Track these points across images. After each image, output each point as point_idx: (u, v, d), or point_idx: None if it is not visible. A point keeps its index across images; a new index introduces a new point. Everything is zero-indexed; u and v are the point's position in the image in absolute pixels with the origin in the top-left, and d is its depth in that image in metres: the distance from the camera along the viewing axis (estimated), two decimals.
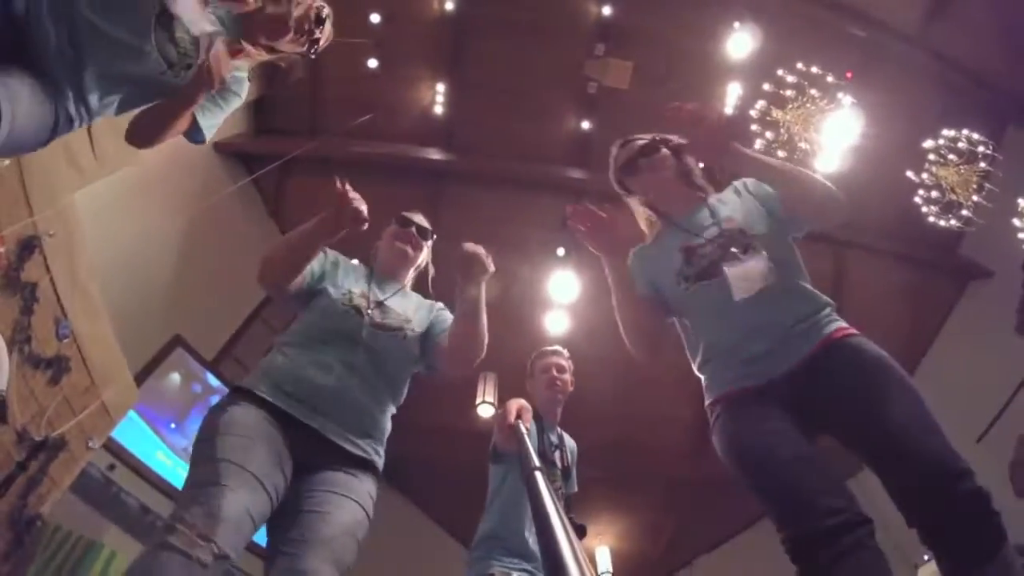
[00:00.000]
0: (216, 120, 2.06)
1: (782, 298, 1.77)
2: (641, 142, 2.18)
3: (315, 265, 2.07)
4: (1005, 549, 1.44)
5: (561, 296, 7.86)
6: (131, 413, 5.83)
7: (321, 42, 2.07)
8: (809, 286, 1.87)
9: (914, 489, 1.50)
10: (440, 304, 2.23)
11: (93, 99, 1.75)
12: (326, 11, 2.06)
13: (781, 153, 6.43)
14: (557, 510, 0.93)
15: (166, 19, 1.69)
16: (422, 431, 8.64)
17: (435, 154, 7.96)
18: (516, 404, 2.27)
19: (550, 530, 0.84)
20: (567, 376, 2.90)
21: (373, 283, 2.11)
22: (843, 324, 1.79)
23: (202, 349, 6.72)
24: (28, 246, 3.57)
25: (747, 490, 1.67)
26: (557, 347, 3.16)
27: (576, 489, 2.89)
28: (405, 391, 2.05)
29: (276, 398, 1.73)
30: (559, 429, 2.83)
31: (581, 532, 2.22)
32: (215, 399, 6.61)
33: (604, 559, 8.62)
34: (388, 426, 1.95)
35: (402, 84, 7.74)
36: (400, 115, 7.88)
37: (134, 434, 5.69)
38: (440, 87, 7.74)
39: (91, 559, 4.09)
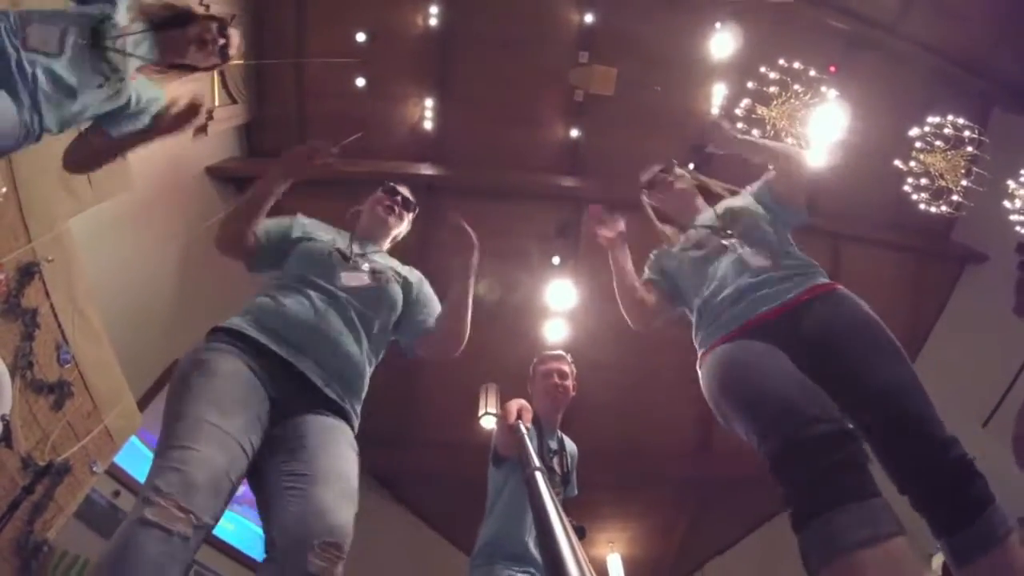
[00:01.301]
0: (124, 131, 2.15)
1: (775, 257, 1.90)
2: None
3: (284, 223, 2.11)
4: (990, 510, 1.46)
5: (559, 304, 7.89)
6: (134, 439, 5.83)
7: (231, 48, 2.19)
8: (799, 251, 1.99)
9: (907, 456, 1.51)
10: (421, 275, 2.23)
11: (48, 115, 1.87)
12: (227, 18, 2.22)
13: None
14: (557, 510, 0.94)
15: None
16: (425, 443, 8.66)
17: (426, 169, 8.01)
18: (516, 404, 2.28)
19: (550, 530, 0.84)
20: (569, 382, 2.86)
21: (354, 241, 2.13)
22: (831, 281, 1.86)
23: None
24: (27, 272, 3.60)
25: (732, 412, 1.65)
26: (559, 352, 3.14)
27: (576, 493, 2.86)
28: (385, 346, 2.01)
29: (261, 334, 1.69)
30: (559, 433, 2.81)
31: (580, 533, 2.20)
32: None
33: (616, 567, 8.55)
34: (366, 384, 1.89)
35: (390, 101, 7.81)
36: (390, 132, 7.94)
37: (138, 460, 5.66)
38: (428, 102, 7.80)
39: None
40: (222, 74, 6.91)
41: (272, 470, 1.54)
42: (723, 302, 1.86)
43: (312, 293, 1.83)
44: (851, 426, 1.47)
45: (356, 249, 2.06)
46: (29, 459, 3.59)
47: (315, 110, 7.65)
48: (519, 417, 2.20)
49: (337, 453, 1.60)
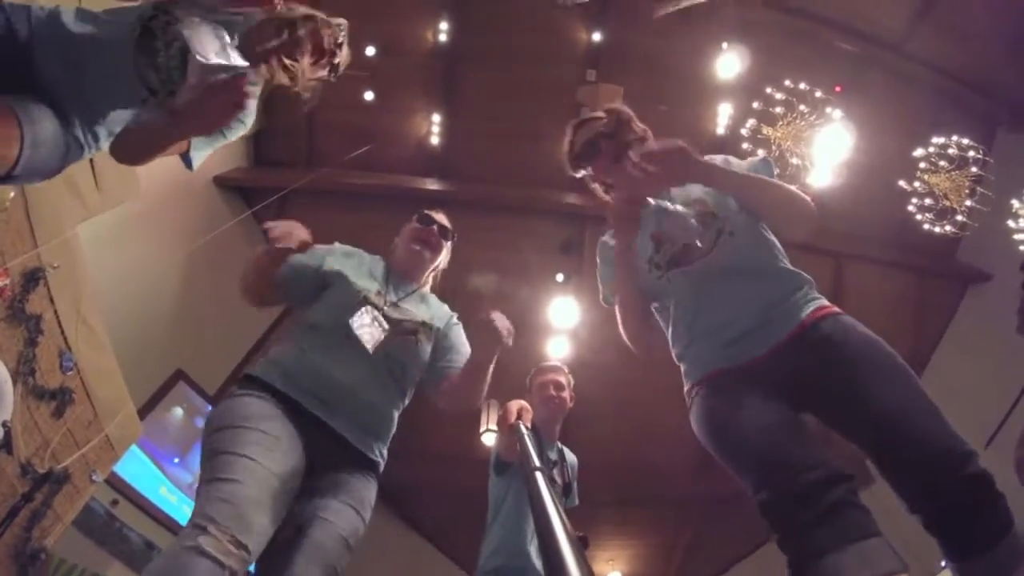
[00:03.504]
0: (209, 151, 2.00)
1: (760, 278, 1.74)
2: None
3: (316, 256, 2.03)
4: (1012, 533, 1.37)
5: (562, 321, 7.88)
6: (134, 448, 5.80)
7: (341, 66, 2.02)
8: (787, 265, 1.82)
9: (917, 475, 1.43)
10: (455, 317, 2.19)
11: (99, 126, 1.74)
12: (343, 34, 1.97)
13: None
14: (558, 510, 0.92)
15: (146, 43, 1.60)
16: (426, 459, 8.60)
17: (432, 184, 8.04)
18: (516, 404, 2.24)
19: (551, 530, 0.83)
20: (565, 393, 2.85)
21: (390, 283, 2.07)
22: (825, 303, 1.73)
23: (204, 383, 6.70)
24: (33, 278, 3.59)
25: (723, 464, 1.61)
26: (556, 363, 3.13)
27: (577, 503, 2.84)
28: (413, 391, 2.03)
29: (293, 392, 1.70)
30: (559, 444, 2.79)
31: (582, 543, 2.17)
32: None
33: None
34: (395, 426, 1.93)
35: (398, 115, 7.86)
36: (397, 145, 7.99)
37: (137, 469, 5.64)
38: (436, 117, 7.85)
39: None
40: None
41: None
42: (712, 335, 1.76)
43: (344, 348, 1.81)
44: (837, 467, 1.40)
45: (391, 295, 2.01)
46: (28, 466, 3.56)
47: (322, 121, 7.70)
48: (519, 417, 2.17)
49: (334, 528, 1.61)
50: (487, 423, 7.34)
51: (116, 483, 5.37)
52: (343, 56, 1.99)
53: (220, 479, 1.39)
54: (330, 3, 7.14)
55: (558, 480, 2.60)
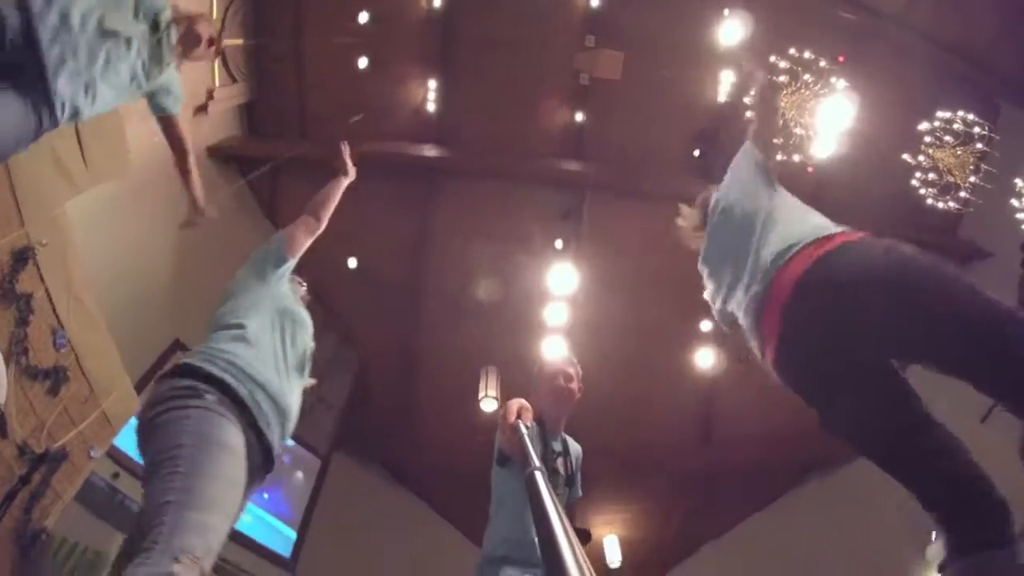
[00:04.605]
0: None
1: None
2: None
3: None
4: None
5: (560, 288, 7.86)
6: (133, 420, 5.85)
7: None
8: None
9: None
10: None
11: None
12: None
13: (776, 140, 6.44)
14: (557, 510, 0.92)
15: None
16: (428, 428, 8.69)
17: (429, 151, 7.94)
18: (516, 404, 2.22)
19: (550, 530, 0.83)
20: (575, 384, 2.78)
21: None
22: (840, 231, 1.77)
23: None
24: (21, 257, 3.55)
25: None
26: (564, 354, 3.09)
27: (581, 495, 2.81)
28: None
29: (253, 406, 1.71)
30: (563, 435, 2.76)
31: (585, 538, 2.16)
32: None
33: (613, 548, 8.62)
34: None
35: (393, 83, 7.72)
36: (393, 114, 7.86)
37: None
38: (431, 84, 7.71)
39: (100, 570, 4.08)
40: (222, 54, 6.83)
41: None
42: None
43: (285, 341, 1.92)
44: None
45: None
46: (25, 447, 3.58)
47: (316, 90, 7.56)
48: (519, 417, 2.15)
49: None
50: (485, 389, 7.39)
51: (117, 456, 5.39)
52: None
53: (196, 507, 1.39)
54: None
55: (561, 471, 2.57)
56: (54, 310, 3.83)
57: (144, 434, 1.60)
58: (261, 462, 1.77)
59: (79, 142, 3.96)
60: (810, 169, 6.47)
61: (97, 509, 5.08)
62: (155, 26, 2.27)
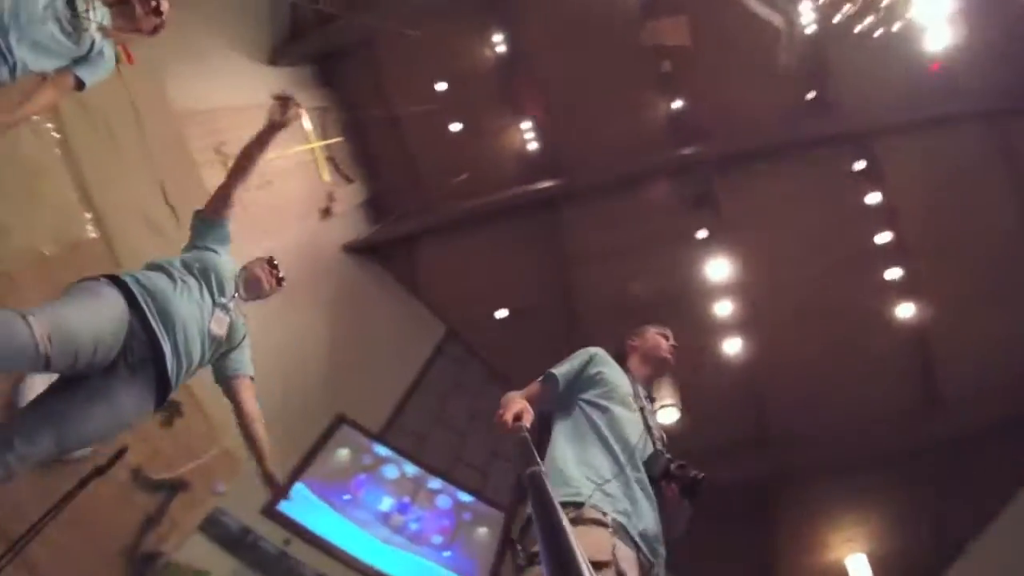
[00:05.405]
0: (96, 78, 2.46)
1: None
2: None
3: None
4: None
5: (718, 277, 7.12)
6: (304, 489, 6.06)
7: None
8: None
9: None
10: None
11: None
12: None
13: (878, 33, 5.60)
14: (558, 510, 0.90)
15: None
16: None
17: (544, 184, 7.91)
18: (517, 405, 1.87)
19: (552, 529, 0.83)
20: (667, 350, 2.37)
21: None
22: None
23: (368, 423, 6.91)
24: None
25: None
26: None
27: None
28: None
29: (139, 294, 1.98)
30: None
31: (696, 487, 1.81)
32: (386, 468, 6.77)
33: (861, 568, 6.80)
34: None
35: (489, 135, 7.97)
36: (499, 162, 8.07)
37: (308, 509, 5.84)
38: (525, 124, 7.84)
39: None
40: (332, 160, 7.63)
41: None
42: None
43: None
44: None
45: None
46: (140, 473, 3.80)
47: (424, 165, 8.03)
48: (519, 418, 1.81)
49: None
50: (662, 400, 6.66)
51: (287, 523, 5.57)
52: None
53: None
54: (388, 49, 7.59)
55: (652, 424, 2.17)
56: None
57: None
58: (147, 354, 1.93)
59: (167, 202, 4.52)
60: None
61: (268, 572, 5.19)
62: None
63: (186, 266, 2.16)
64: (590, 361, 2.14)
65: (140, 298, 1.94)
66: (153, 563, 3.71)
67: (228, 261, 2.32)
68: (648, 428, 1.97)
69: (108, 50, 2.48)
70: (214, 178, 6.20)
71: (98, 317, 1.83)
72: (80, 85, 2.40)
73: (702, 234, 7.33)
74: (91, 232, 3.86)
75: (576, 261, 7.92)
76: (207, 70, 5.99)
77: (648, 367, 2.28)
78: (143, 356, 1.94)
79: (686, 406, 6.50)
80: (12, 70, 2.18)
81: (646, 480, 1.85)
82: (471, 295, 8.13)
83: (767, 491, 6.87)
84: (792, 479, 6.71)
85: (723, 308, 6.95)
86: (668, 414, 6.53)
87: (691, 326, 7.16)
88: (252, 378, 2.36)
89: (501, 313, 8.07)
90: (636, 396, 2.09)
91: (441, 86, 7.58)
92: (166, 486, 3.95)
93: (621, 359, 2.29)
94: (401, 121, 7.76)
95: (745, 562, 6.65)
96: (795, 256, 6.63)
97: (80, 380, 1.88)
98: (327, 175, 7.34)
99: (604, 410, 1.99)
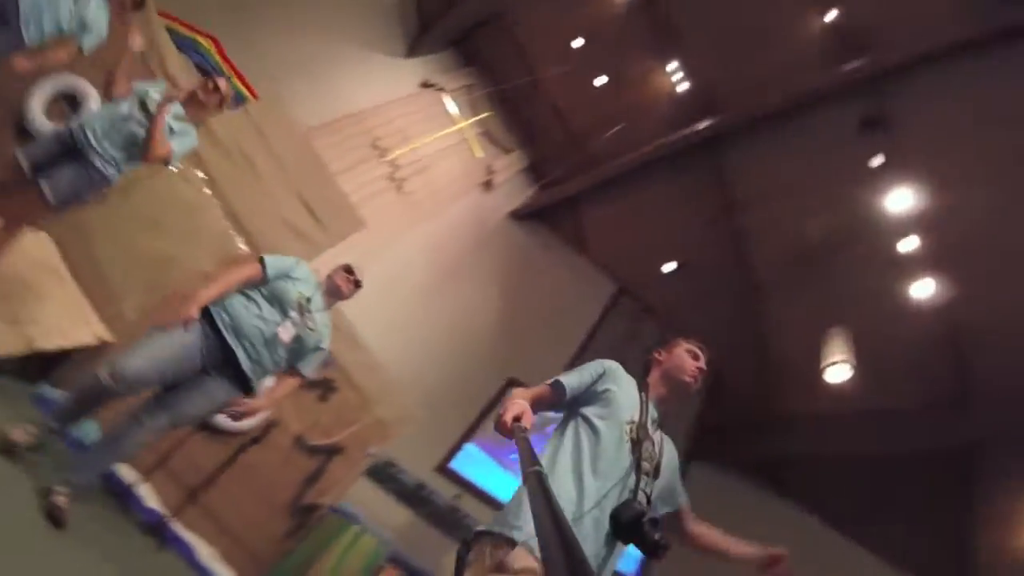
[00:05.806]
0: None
1: None
2: None
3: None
4: None
5: (900, 208, 6.18)
6: (474, 449, 6.57)
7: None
8: None
9: None
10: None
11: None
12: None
13: None
14: (560, 510, 0.92)
15: None
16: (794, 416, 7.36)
17: (702, 124, 7.43)
18: (518, 406, 1.88)
19: (552, 529, 0.83)
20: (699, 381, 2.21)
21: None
22: None
23: (537, 385, 7.22)
24: None
25: None
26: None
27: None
28: None
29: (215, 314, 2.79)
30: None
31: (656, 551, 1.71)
32: (551, 429, 7.02)
33: None
34: None
35: (636, 81, 7.66)
36: (652, 110, 7.73)
37: (478, 466, 6.34)
38: (671, 66, 7.41)
39: (341, 534, 4.54)
40: (487, 134, 7.93)
41: None
42: None
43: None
44: None
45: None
46: (301, 438, 4.48)
47: (576, 123, 7.99)
48: (518, 420, 1.84)
49: None
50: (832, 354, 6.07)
51: (457, 479, 6.13)
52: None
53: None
54: (519, 15, 7.58)
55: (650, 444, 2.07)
56: None
57: None
58: (224, 358, 2.71)
59: (307, 207, 5.12)
60: None
61: (440, 525, 5.78)
62: None
63: (260, 293, 2.81)
64: (602, 376, 2.03)
65: (218, 319, 2.71)
66: (312, 513, 4.39)
67: (294, 286, 2.86)
68: (638, 464, 1.84)
69: (188, 128, 3.10)
70: (374, 170, 6.88)
71: (161, 352, 2.59)
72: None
73: (877, 161, 6.40)
74: (244, 248, 4.53)
75: (743, 205, 7.39)
76: (350, 75, 6.58)
77: (665, 388, 2.11)
78: (222, 359, 2.72)
79: (870, 361, 5.84)
80: (118, 169, 2.94)
81: (606, 521, 1.74)
82: (638, 250, 8.01)
83: (967, 460, 5.93)
84: (997, 447, 5.70)
85: (909, 244, 6.03)
86: (837, 372, 5.91)
87: (875, 268, 6.38)
88: (305, 377, 2.97)
89: (669, 266, 7.84)
90: (641, 425, 1.93)
91: (578, 42, 7.43)
92: (324, 450, 4.60)
93: (644, 371, 2.17)
94: (546, 83, 7.78)
95: (939, 537, 5.85)
96: (992, 179, 5.51)
97: (182, 381, 2.66)
98: (479, 151, 7.67)
99: (595, 434, 1.90)
